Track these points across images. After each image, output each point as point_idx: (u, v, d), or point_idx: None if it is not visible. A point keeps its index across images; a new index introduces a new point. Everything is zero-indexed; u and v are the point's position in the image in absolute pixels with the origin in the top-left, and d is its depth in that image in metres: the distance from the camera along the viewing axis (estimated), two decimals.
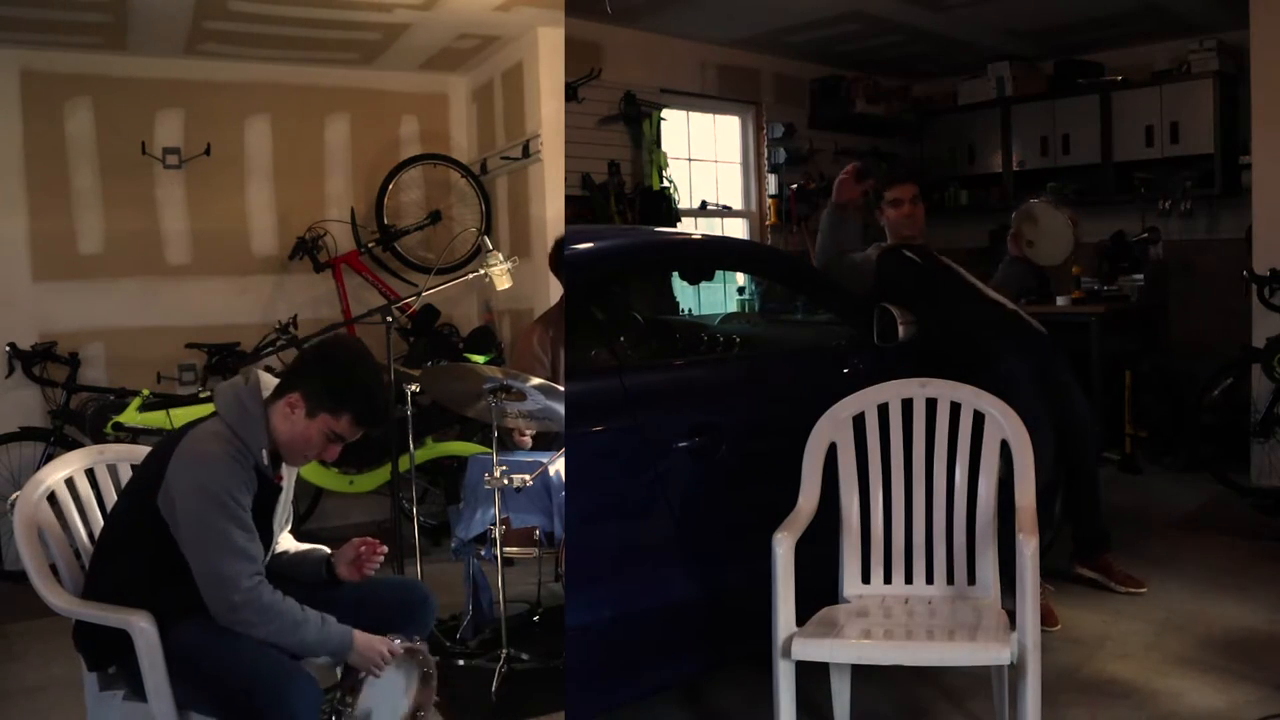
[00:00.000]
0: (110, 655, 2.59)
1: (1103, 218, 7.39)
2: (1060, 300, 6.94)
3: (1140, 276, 7.02)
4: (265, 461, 2.55)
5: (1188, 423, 6.02)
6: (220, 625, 2.50)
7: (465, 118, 6.77)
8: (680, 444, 3.22)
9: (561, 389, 3.55)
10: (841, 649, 2.71)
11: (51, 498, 2.80)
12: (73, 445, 4.57)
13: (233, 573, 2.40)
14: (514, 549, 3.83)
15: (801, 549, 2.81)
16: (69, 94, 5.71)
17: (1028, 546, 2.77)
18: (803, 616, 2.77)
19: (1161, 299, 7.17)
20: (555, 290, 5.60)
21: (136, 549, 2.57)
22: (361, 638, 2.54)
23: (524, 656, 3.72)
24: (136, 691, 2.53)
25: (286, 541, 2.90)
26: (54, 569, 2.69)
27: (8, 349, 5.35)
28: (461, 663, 3.83)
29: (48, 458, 5.04)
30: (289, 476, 2.79)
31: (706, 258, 4.33)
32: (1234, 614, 4.04)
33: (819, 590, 3.01)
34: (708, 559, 3.29)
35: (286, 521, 2.90)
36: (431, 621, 2.83)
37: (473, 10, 5.36)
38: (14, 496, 2.76)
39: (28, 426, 5.27)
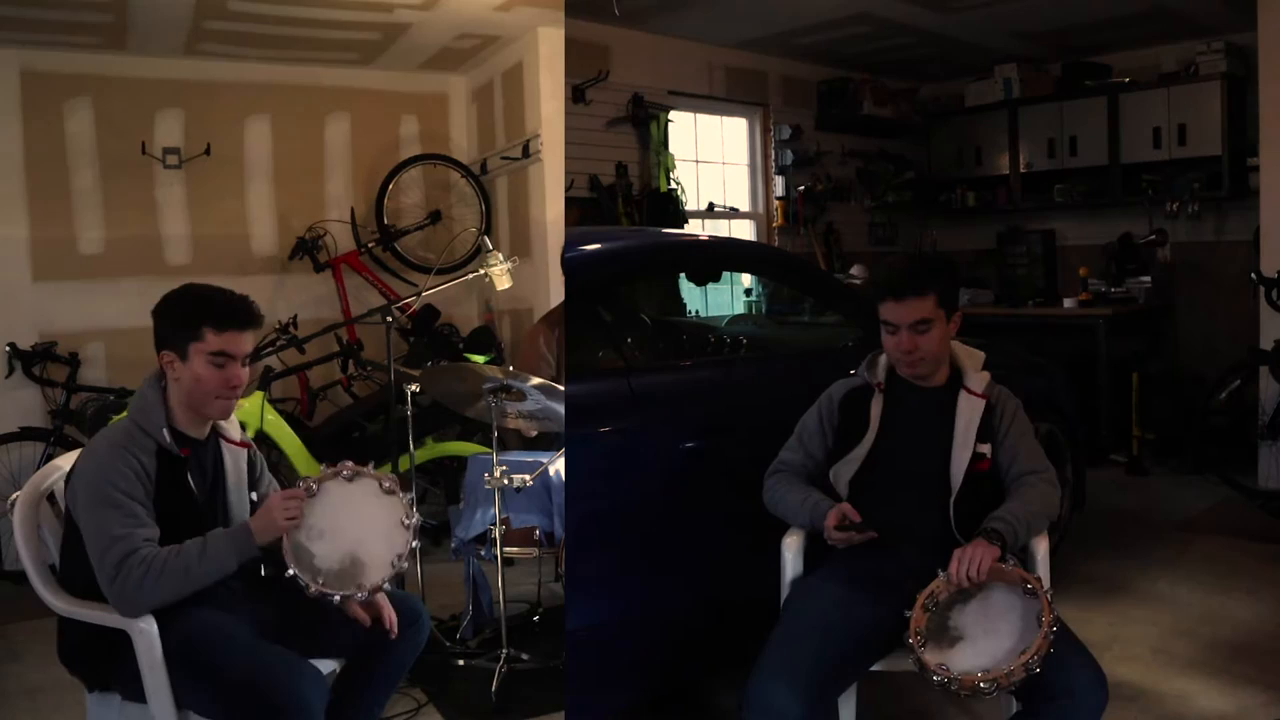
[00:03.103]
0: (106, 667, 2.55)
1: (1110, 220, 7.38)
2: (1067, 302, 6.93)
3: (1147, 279, 7.00)
4: (168, 439, 2.56)
5: (1195, 425, 5.99)
6: (220, 618, 2.51)
7: (465, 118, 6.76)
8: (687, 445, 3.20)
9: (561, 389, 3.53)
10: None
11: (51, 498, 2.78)
12: (73, 445, 4.55)
13: (109, 558, 2.41)
14: (514, 549, 3.81)
15: (809, 551, 2.81)
16: (69, 94, 5.70)
17: (1039, 549, 2.75)
18: None
19: (1169, 301, 7.15)
20: (556, 290, 5.59)
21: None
22: (260, 518, 2.52)
23: (524, 656, 3.69)
24: (133, 694, 2.50)
25: None
26: (54, 569, 2.67)
27: (8, 349, 5.33)
28: (461, 663, 3.81)
29: (48, 458, 5.03)
30: (233, 434, 2.78)
31: (713, 259, 4.32)
32: (1241, 617, 4.02)
33: None
34: (713, 561, 3.27)
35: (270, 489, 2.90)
36: (424, 639, 2.80)
37: (473, 10, 5.34)
38: (14, 496, 2.74)
39: (28, 426, 5.25)
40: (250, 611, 2.63)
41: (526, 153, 5.92)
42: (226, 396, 2.64)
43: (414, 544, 2.61)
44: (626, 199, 6.55)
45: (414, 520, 2.63)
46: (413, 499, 2.67)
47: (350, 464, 2.65)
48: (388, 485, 2.65)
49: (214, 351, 2.56)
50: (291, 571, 2.50)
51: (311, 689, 2.41)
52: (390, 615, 2.64)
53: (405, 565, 2.60)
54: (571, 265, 3.57)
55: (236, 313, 2.62)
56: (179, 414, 2.64)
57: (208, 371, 2.57)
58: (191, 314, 2.58)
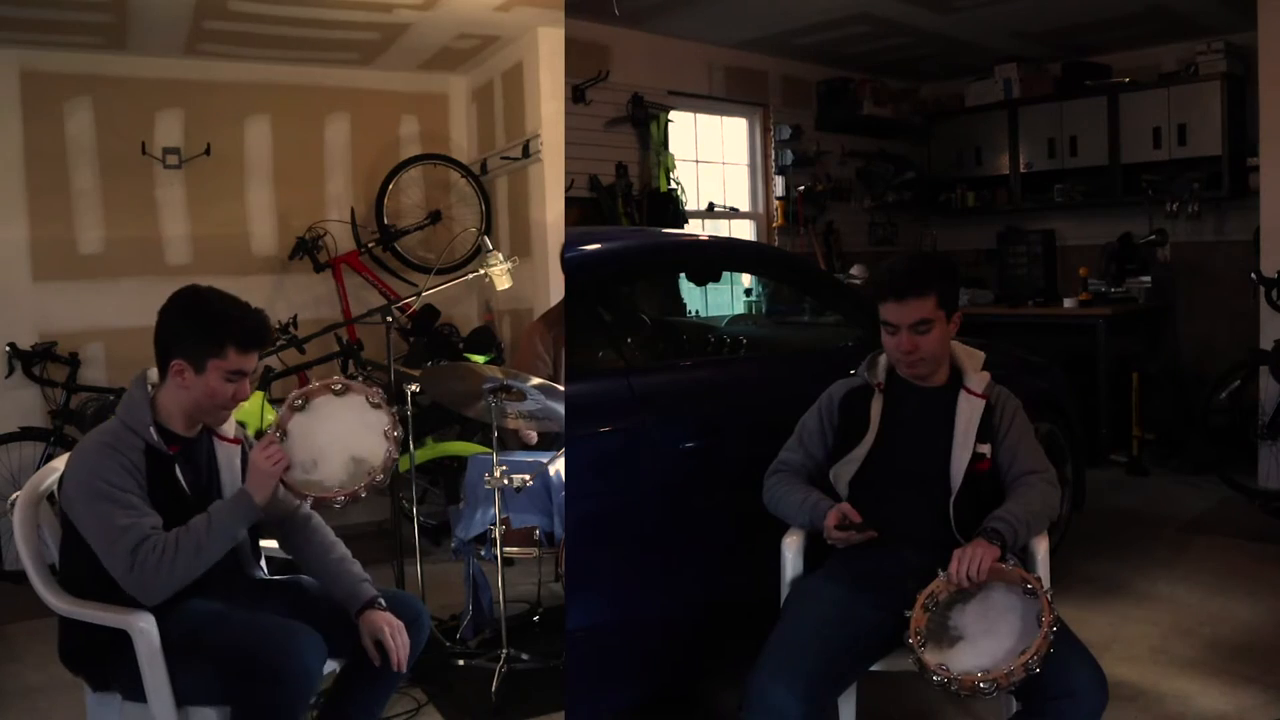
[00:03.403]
0: (107, 667, 2.56)
1: (1110, 220, 7.38)
2: (1067, 302, 6.93)
3: (1148, 279, 7.00)
4: (155, 438, 2.57)
5: (1195, 425, 5.99)
6: (218, 605, 2.56)
7: (465, 118, 6.75)
8: (687, 445, 3.19)
9: (561, 389, 3.53)
10: None
11: (51, 498, 2.77)
12: (72, 445, 4.53)
13: (120, 549, 2.42)
14: (514, 549, 3.80)
15: (809, 551, 2.82)
16: (69, 94, 5.69)
17: (1039, 549, 2.75)
18: None
19: (1169, 301, 7.15)
20: (556, 290, 5.58)
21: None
22: (251, 478, 2.58)
23: (524, 656, 3.69)
24: (133, 694, 2.51)
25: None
26: (54, 569, 2.67)
27: (8, 349, 5.32)
28: (461, 663, 3.81)
29: (48, 458, 5.03)
30: (226, 430, 2.79)
31: (713, 259, 4.31)
32: (1241, 617, 4.02)
33: None
34: (713, 561, 3.27)
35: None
36: (424, 639, 2.79)
37: (473, 10, 5.33)
38: (14, 496, 2.75)
39: (28, 426, 5.24)
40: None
41: (526, 153, 5.91)
42: (231, 408, 2.68)
43: (393, 412, 2.73)
44: (626, 199, 6.55)
45: (381, 397, 2.73)
46: (366, 381, 2.77)
47: (296, 391, 2.72)
48: (339, 387, 2.72)
49: (233, 370, 2.59)
50: (310, 501, 2.64)
51: (309, 651, 2.44)
52: (399, 657, 2.62)
53: (399, 433, 2.71)
54: (571, 265, 3.57)
55: (260, 334, 2.65)
56: (173, 416, 2.65)
57: (222, 386, 2.60)
58: (217, 330, 2.58)
